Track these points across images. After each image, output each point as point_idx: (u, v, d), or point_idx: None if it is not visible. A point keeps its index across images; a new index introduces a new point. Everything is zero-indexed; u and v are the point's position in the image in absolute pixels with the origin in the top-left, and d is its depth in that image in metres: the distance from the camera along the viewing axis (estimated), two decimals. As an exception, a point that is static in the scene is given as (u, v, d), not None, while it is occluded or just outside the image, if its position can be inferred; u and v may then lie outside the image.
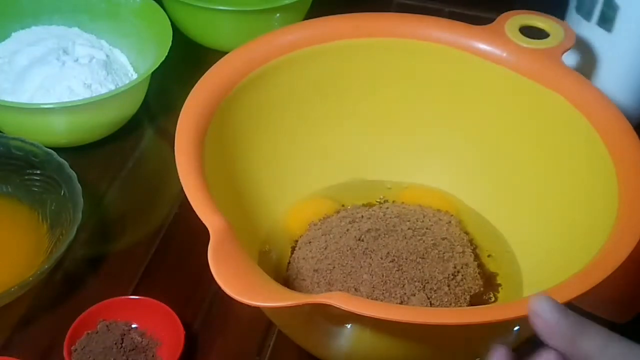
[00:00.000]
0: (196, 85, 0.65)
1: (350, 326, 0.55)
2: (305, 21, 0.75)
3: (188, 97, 0.64)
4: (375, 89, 0.75)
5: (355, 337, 0.57)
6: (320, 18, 0.74)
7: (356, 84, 0.75)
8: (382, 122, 0.77)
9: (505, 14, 0.73)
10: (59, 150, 0.74)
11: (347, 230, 0.70)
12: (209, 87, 0.66)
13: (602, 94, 0.67)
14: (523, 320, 0.48)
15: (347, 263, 0.67)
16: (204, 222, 0.55)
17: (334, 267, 0.67)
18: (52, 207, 0.73)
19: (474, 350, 0.58)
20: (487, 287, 0.69)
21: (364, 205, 0.75)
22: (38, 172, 0.74)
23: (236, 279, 0.51)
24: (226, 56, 0.69)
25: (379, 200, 0.76)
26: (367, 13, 0.74)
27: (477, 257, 0.71)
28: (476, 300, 0.68)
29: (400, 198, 0.76)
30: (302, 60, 0.71)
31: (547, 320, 0.46)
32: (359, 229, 0.70)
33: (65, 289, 0.71)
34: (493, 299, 0.68)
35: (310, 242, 0.70)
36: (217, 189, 0.59)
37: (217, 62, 0.68)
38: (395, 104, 0.76)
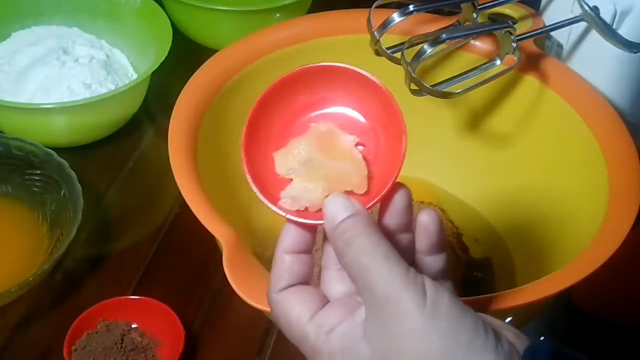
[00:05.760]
0: (180, 94, 0.66)
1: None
2: (288, 21, 0.76)
3: (173, 112, 0.64)
4: None
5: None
6: (303, 17, 0.74)
7: None
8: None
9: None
10: (59, 150, 0.74)
11: None
12: (193, 96, 0.66)
13: (582, 79, 0.69)
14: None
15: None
16: (214, 234, 0.55)
17: None
18: (52, 207, 0.73)
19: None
20: (479, 270, 0.71)
21: None
22: (38, 172, 0.74)
23: (256, 290, 0.51)
24: (208, 61, 0.69)
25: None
26: (347, 10, 0.74)
27: (462, 242, 0.73)
28: (465, 283, 0.69)
29: None
30: (280, 61, 0.72)
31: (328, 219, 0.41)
32: None
33: (65, 289, 0.71)
34: (485, 278, 0.70)
35: None
36: (213, 192, 0.59)
37: (200, 68, 0.68)
38: None
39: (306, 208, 0.42)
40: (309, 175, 0.41)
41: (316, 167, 0.41)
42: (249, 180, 0.42)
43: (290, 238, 0.42)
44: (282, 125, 0.43)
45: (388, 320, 0.38)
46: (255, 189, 0.42)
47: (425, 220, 0.42)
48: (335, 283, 0.43)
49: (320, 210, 0.41)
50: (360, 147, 0.42)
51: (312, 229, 0.42)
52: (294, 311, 0.41)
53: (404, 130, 0.41)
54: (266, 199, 0.42)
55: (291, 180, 0.42)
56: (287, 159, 0.42)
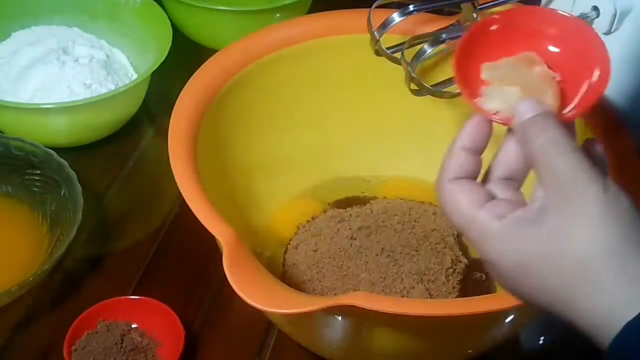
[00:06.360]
0: (180, 94, 0.66)
1: (362, 322, 0.55)
2: (288, 21, 0.76)
3: (173, 112, 0.64)
4: (351, 85, 0.75)
5: (364, 332, 0.57)
6: (303, 17, 0.74)
7: (332, 82, 0.75)
8: (359, 118, 0.77)
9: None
10: (59, 150, 0.74)
11: (338, 230, 0.70)
12: (193, 96, 0.66)
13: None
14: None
15: (342, 264, 0.67)
16: (214, 234, 0.55)
17: (326, 272, 0.67)
18: (52, 207, 0.73)
19: (474, 335, 0.59)
20: (479, 270, 0.70)
21: (347, 200, 0.76)
22: (38, 172, 0.74)
23: (256, 290, 0.51)
24: (208, 61, 0.69)
25: (363, 195, 0.77)
26: (347, 10, 0.74)
27: (461, 242, 0.72)
28: (465, 283, 0.69)
29: (382, 191, 0.77)
30: (280, 61, 0.72)
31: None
32: (349, 228, 0.70)
33: (65, 289, 0.71)
34: (484, 277, 0.70)
35: (297, 247, 0.71)
36: (213, 192, 0.59)
37: (200, 68, 0.68)
38: (372, 98, 0.76)
39: (496, 113, 0.46)
40: (509, 83, 0.46)
41: (517, 78, 0.46)
42: (456, 78, 0.46)
43: (470, 134, 0.46)
44: (495, 46, 0.47)
45: (571, 204, 0.40)
46: (459, 86, 0.47)
47: (599, 150, 0.45)
48: (497, 192, 0.45)
49: (508, 118, 0.45)
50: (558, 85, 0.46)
51: (491, 130, 0.46)
52: (464, 199, 0.44)
53: (607, 77, 0.45)
54: (467, 95, 0.46)
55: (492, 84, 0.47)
56: (493, 68, 0.47)
